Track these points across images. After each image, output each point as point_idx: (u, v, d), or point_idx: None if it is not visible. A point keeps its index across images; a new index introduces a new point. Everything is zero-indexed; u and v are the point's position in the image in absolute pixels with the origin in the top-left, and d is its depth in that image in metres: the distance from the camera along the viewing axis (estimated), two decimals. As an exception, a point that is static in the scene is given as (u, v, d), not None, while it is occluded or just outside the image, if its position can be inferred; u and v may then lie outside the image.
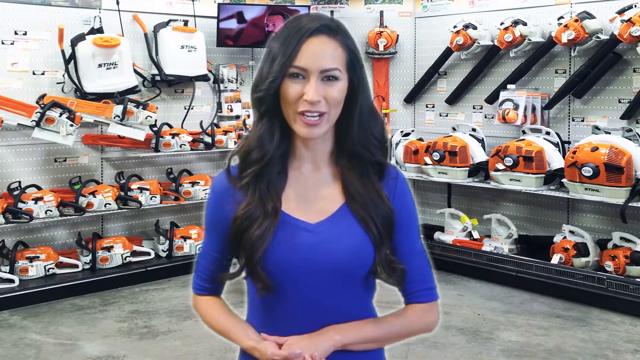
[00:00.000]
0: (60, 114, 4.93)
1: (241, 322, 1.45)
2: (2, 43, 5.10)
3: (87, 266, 5.22)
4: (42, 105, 4.92)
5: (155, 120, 5.41)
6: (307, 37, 1.34)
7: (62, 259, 5.13)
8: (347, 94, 1.38)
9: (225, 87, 6.21)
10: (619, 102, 5.10)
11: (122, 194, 5.39)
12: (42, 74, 5.27)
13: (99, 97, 5.29)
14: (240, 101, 6.26)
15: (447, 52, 6.04)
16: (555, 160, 5.13)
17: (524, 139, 5.29)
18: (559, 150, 5.21)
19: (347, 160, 1.41)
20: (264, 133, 1.38)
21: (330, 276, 1.37)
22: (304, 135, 1.35)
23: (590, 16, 5.03)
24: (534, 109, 5.45)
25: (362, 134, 1.39)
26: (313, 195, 1.41)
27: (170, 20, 5.77)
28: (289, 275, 1.36)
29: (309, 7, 6.37)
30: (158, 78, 5.70)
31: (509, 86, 5.55)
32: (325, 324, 1.39)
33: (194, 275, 1.52)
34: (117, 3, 5.50)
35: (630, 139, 4.73)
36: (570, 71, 5.37)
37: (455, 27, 5.86)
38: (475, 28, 5.77)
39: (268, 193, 1.38)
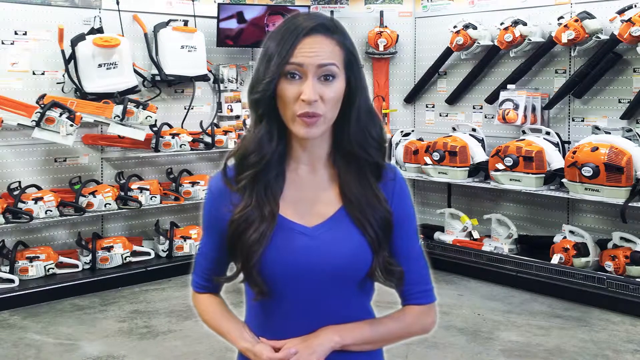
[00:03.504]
0: (60, 114, 4.93)
1: (237, 322, 1.45)
2: (2, 43, 5.10)
3: (87, 266, 5.22)
4: (42, 105, 4.92)
5: (155, 120, 5.40)
6: (303, 36, 1.32)
7: (62, 259, 5.13)
8: (345, 94, 1.35)
9: (225, 87, 6.22)
10: (619, 102, 5.09)
11: (122, 194, 5.39)
12: (42, 74, 5.27)
13: (99, 97, 5.29)
14: (240, 101, 6.26)
15: (447, 52, 6.04)
16: (555, 160, 5.13)
17: (524, 139, 5.29)
18: (559, 150, 5.20)
19: (344, 161, 1.39)
20: (263, 136, 1.36)
21: (327, 280, 1.36)
22: (302, 136, 1.33)
23: (590, 16, 5.03)
24: (534, 109, 5.45)
25: (360, 134, 1.37)
26: (310, 198, 1.39)
27: (170, 20, 5.77)
28: (285, 279, 1.35)
29: (309, 7, 6.37)
30: (158, 78, 5.70)
31: (509, 86, 5.55)
32: (323, 326, 1.38)
33: (192, 273, 1.52)
34: (117, 3, 5.50)
35: (630, 139, 4.73)
36: (570, 71, 5.37)
37: (455, 27, 5.86)
38: (475, 28, 5.77)
39: (265, 197, 1.36)
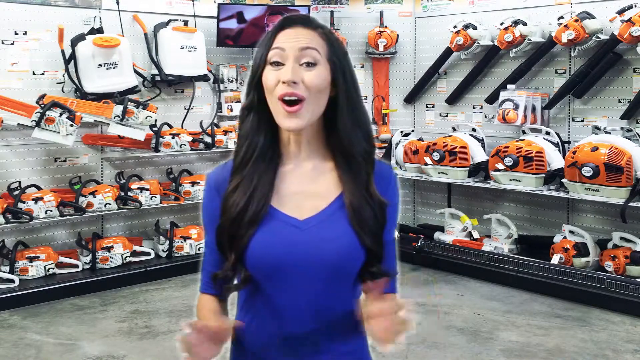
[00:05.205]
0: (60, 114, 4.93)
1: (220, 317, 1.44)
2: (2, 43, 5.10)
3: (87, 266, 5.22)
4: (42, 105, 4.92)
5: (155, 120, 5.40)
6: (286, 27, 1.39)
7: (62, 259, 5.13)
8: (332, 88, 1.39)
9: (225, 87, 6.22)
10: (619, 102, 5.10)
11: (122, 194, 5.39)
12: (42, 74, 5.27)
13: (99, 97, 5.29)
14: (240, 101, 6.26)
15: (447, 52, 6.04)
16: (555, 160, 5.13)
17: (524, 139, 5.29)
18: (559, 150, 5.21)
19: (338, 156, 1.42)
20: (252, 126, 1.41)
21: (318, 273, 1.36)
22: (286, 127, 1.36)
23: (590, 16, 5.04)
24: (534, 109, 5.45)
25: (350, 127, 1.40)
26: (303, 191, 1.41)
27: (170, 20, 5.77)
28: (276, 270, 1.36)
29: (309, 7, 6.37)
30: (158, 78, 5.70)
31: (509, 86, 5.55)
32: (315, 321, 1.38)
33: (200, 274, 1.52)
34: (117, 3, 5.50)
35: (630, 139, 4.73)
36: (570, 71, 5.37)
37: (455, 27, 5.86)
38: (475, 28, 5.77)
39: (258, 187, 1.39)
